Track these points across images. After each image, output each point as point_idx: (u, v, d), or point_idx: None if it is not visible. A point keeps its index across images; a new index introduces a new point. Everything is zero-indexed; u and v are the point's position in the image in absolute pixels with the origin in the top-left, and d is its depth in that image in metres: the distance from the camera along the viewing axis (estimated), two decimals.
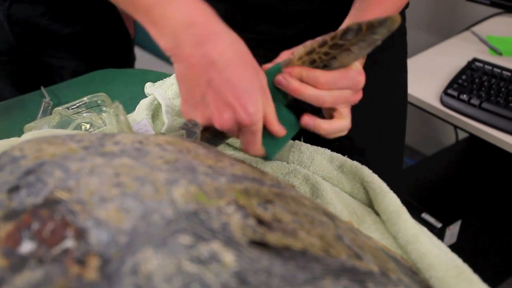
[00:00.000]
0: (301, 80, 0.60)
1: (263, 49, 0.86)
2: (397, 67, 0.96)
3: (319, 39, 0.57)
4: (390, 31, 0.55)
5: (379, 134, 0.95)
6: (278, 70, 0.59)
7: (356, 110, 0.66)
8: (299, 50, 0.58)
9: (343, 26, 0.69)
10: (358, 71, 0.61)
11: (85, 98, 0.68)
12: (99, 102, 0.67)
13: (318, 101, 0.60)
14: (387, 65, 0.93)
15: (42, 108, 0.89)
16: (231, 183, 0.44)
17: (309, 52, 0.57)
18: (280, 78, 0.60)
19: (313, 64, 0.59)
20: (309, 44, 0.57)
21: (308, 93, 0.60)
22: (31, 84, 1.24)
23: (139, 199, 0.38)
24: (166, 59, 2.19)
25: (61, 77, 1.26)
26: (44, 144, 0.46)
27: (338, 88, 0.60)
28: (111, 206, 0.38)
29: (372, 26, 0.54)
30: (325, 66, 0.60)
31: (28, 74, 1.34)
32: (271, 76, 0.59)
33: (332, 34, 0.56)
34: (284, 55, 0.59)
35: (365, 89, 0.64)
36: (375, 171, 0.66)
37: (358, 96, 0.63)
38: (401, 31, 0.95)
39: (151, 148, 0.46)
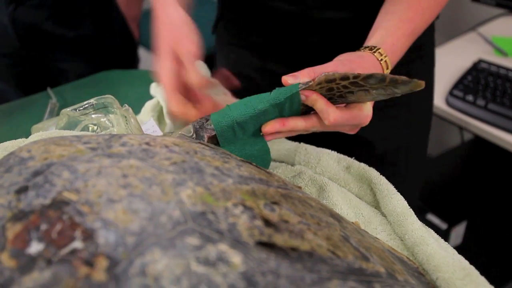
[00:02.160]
0: (313, 106, 0.60)
1: (285, 55, 0.86)
2: (427, 78, 0.95)
3: (342, 72, 0.57)
4: (412, 91, 0.56)
5: (408, 146, 0.95)
6: (295, 89, 0.59)
7: (388, 122, 0.65)
8: (320, 76, 0.58)
9: (370, 35, 0.70)
10: (368, 114, 0.62)
11: (92, 100, 0.68)
12: (106, 103, 0.67)
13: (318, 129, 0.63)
14: (419, 76, 0.90)
15: (49, 109, 0.90)
16: (238, 184, 0.44)
17: (330, 81, 0.57)
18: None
19: (330, 91, 0.59)
20: (331, 73, 0.57)
21: (313, 121, 0.62)
22: (35, 86, 1.25)
23: (146, 200, 0.38)
24: None
25: (66, 80, 1.26)
26: (52, 145, 0.46)
27: (342, 125, 0.62)
28: (119, 207, 0.38)
29: (395, 82, 0.54)
30: (341, 97, 0.60)
31: (33, 76, 1.34)
32: (288, 92, 0.59)
33: (355, 73, 0.56)
34: (305, 73, 0.59)
35: (399, 101, 0.65)
36: (404, 183, 0.67)
37: (354, 131, 0.65)
38: (431, 42, 0.94)
39: (158, 149, 0.46)
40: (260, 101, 0.60)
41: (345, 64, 0.62)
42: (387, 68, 0.66)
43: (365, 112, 0.61)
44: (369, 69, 0.63)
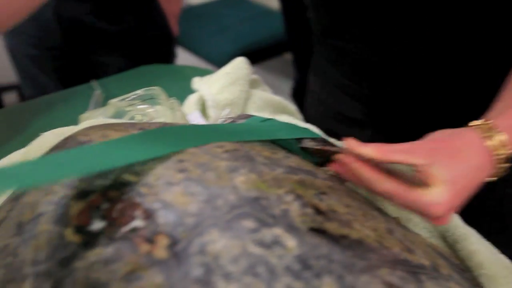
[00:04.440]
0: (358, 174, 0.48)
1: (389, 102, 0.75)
2: None
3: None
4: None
5: None
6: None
7: None
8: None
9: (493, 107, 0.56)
10: (437, 202, 0.46)
11: (139, 91, 0.70)
12: (153, 95, 0.69)
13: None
14: None
15: (93, 100, 0.92)
16: (288, 174, 0.45)
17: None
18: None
19: None
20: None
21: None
22: (75, 79, 1.27)
23: (203, 184, 0.40)
24: (205, 56, 2.18)
25: (104, 73, 1.28)
26: (109, 130, 0.48)
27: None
28: (177, 189, 0.39)
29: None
30: None
31: (73, 70, 1.37)
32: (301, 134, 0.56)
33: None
34: (372, 147, 0.47)
35: None
36: None
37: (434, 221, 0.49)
38: None
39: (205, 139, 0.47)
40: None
41: (430, 145, 0.49)
42: (503, 145, 0.50)
43: (429, 197, 0.46)
44: (460, 148, 0.49)
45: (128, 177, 0.41)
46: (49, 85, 1.38)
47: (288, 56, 2.59)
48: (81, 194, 0.40)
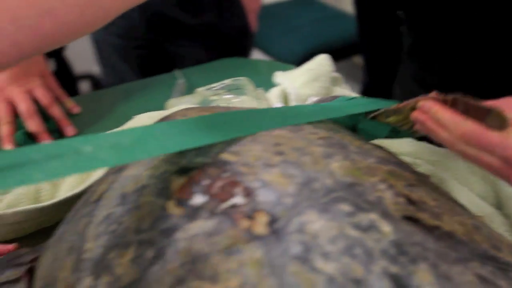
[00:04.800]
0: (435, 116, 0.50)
1: None
2: None
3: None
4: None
5: None
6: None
7: None
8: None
9: None
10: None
11: (227, 81, 0.72)
12: (240, 85, 0.71)
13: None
14: None
15: (177, 89, 0.95)
16: (379, 164, 0.46)
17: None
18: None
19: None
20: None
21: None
22: (153, 69, 1.31)
23: (300, 167, 0.41)
24: (274, 55, 2.19)
25: (181, 65, 1.32)
26: (205, 111, 0.50)
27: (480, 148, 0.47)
28: (275, 171, 0.40)
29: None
30: None
31: (152, 60, 1.41)
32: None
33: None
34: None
35: None
36: None
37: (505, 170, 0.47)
38: None
39: (304, 125, 0.48)
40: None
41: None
42: None
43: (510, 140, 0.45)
44: None
45: (227, 156, 0.42)
46: (129, 74, 1.43)
47: (356, 60, 2.58)
48: (182, 170, 0.42)
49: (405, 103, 0.54)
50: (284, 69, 0.98)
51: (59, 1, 0.50)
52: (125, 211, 0.42)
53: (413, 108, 0.52)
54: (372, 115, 0.60)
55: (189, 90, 0.96)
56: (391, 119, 0.58)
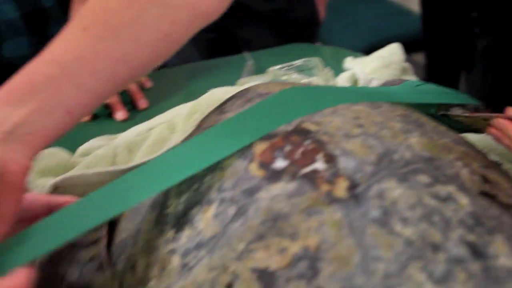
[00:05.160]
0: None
1: None
2: None
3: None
4: None
5: None
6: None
7: None
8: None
9: None
10: None
11: (298, 61, 0.73)
12: (311, 66, 0.73)
13: None
14: None
15: (246, 70, 0.98)
16: (455, 144, 0.47)
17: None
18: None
19: None
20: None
21: None
22: (220, 53, 1.34)
23: (379, 139, 0.42)
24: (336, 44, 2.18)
25: (247, 49, 1.34)
26: (284, 85, 0.52)
27: None
28: (355, 141, 0.42)
29: None
30: None
31: (220, 43, 1.44)
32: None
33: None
34: None
35: None
36: None
37: None
38: None
39: (381, 103, 0.50)
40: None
41: None
42: None
43: None
44: None
45: (309, 125, 0.44)
46: (194, 55, 1.46)
47: (416, 57, 2.55)
48: (265, 135, 0.44)
49: (478, 114, 0.55)
50: (347, 56, 0.98)
51: (129, 46, 0.50)
52: (207, 171, 0.45)
53: (485, 119, 0.53)
54: (442, 112, 0.60)
55: (258, 72, 0.98)
56: (461, 119, 0.58)
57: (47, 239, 0.41)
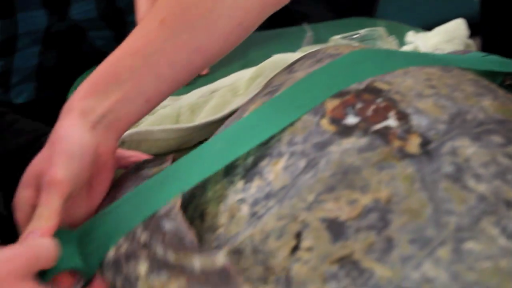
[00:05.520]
0: None
1: None
2: None
3: None
4: None
5: None
6: None
7: None
8: None
9: None
10: None
11: (362, 31, 0.73)
12: (375, 36, 0.72)
13: None
14: None
15: (306, 41, 0.98)
16: None
17: None
18: None
19: None
20: None
21: None
22: (274, 27, 1.34)
23: (452, 100, 0.43)
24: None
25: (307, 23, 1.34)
26: (354, 48, 0.52)
27: None
28: (428, 100, 0.42)
29: None
30: None
31: (274, 17, 1.44)
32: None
33: None
34: None
35: None
36: None
37: None
38: None
39: (452, 68, 0.49)
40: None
41: None
42: None
43: None
44: None
45: (380, 85, 0.44)
46: None
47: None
48: (337, 93, 0.45)
49: None
50: (407, 31, 0.97)
51: (204, 37, 0.53)
52: None
53: None
54: (509, 82, 0.59)
55: (317, 43, 0.98)
56: None
57: (138, 209, 0.46)
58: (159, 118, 0.70)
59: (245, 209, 0.43)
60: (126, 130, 0.53)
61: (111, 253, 0.43)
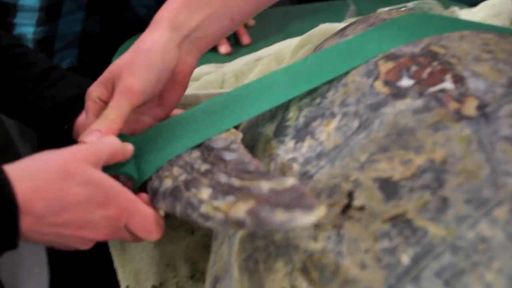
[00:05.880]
0: None
1: None
2: None
3: None
4: None
5: None
6: None
7: None
8: None
9: None
10: None
11: (410, 4, 0.72)
12: (425, 7, 0.71)
13: None
14: None
15: (348, 14, 0.98)
16: None
17: None
18: None
19: None
20: None
21: None
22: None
23: (510, 65, 0.42)
24: None
25: None
26: (406, 13, 0.52)
27: None
28: (485, 64, 0.42)
29: None
30: None
31: None
32: None
33: None
34: None
35: None
36: None
37: None
38: None
39: (507, 35, 0.49)
40: None
41: None
42: None
43: None
44: None
45: (436, 48, 0.44)
46: (285, 2, 1.46)
47: None
48: (391, 56, 0.45)
49: None
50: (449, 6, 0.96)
51: None
52: (331, 87, 0.46)
53: None
54: None
55: (359, 16, 0.97)
56: None
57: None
58: (203, 84, 0.71)
59: (296, 168, 0.43)
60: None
61: (168, 182, 0.44)
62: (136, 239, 0.45)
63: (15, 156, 1.23)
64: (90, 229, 0.42)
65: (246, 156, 0.42)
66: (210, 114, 0.49)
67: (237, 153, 0.42)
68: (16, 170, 0.39)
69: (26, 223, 0.39)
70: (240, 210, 0.36)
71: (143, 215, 0.43)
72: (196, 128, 0.48)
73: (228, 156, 0.42)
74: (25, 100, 0.60)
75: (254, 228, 0.36)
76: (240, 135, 0.45)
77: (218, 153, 0.43)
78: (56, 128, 0.59)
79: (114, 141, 0.45)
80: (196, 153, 0.46)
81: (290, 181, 0.37)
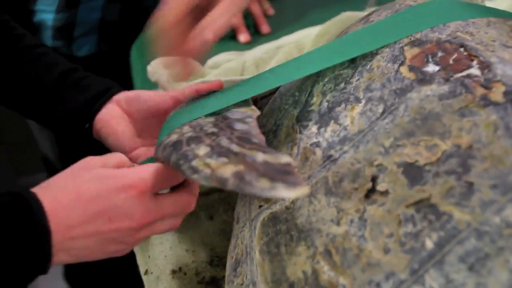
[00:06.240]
0: None
1: None
2: None
3: None
4: None
5: None
6: None
7: None
8: None
9: None
10: None
11: None
12: None
13: None
14: None
15: (370, 2, 0.97)
16: None
17: None
18: None
19: None
20: None
21: None
22: None
23: None
24: None
25: None
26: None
27: None
28: None
29: None
30: None
31: None
32: None
33: None
34: None
35: None
36: None
37: None
38: None
39: None
40: None
41: None
42: None
43: None
44: None
45: (463, 35, 0.44)
46: None
47: None
48: (416, 42, 0.44)
49: None
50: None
51: None
52: (355, 72, 0.46)
53: None
54: None
55: (381, 4, 0.96)
56: None
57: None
58: (224, 71, 0.71)
59: (319, 153, 0.43)
60: None
61: (174, 137, 0.45)
62: (176, 209, 0.46)
63: (35, 152, 1.24)
64: (122, 216, 0.43)
65: (255, 130, 0.42)
66: (235, 86, 0.52)
67: (248, 126, 0.43)
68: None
69: (56, 236, 0.40)
70: (228, 170, 0.37)
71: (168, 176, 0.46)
72: (220, 96, 0.51)
73: (239, 126, 0.43)
74: (46, 101, 0.61)
75: (235, 189, 0.36)
76: (257, 112, 0.45)
77: (231, 122, 0.44)
78: (76, 128, 0.60)
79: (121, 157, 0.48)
80: (210, 119, 0.47)
81: (286, 158, 0.37)
